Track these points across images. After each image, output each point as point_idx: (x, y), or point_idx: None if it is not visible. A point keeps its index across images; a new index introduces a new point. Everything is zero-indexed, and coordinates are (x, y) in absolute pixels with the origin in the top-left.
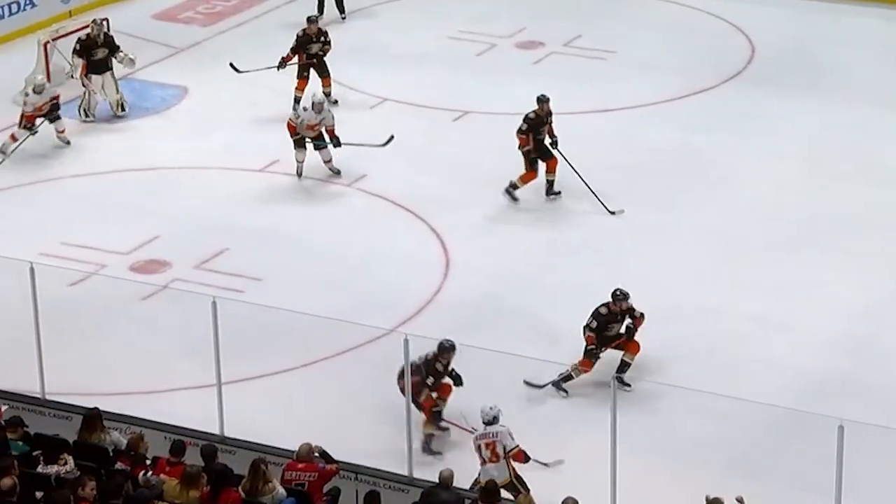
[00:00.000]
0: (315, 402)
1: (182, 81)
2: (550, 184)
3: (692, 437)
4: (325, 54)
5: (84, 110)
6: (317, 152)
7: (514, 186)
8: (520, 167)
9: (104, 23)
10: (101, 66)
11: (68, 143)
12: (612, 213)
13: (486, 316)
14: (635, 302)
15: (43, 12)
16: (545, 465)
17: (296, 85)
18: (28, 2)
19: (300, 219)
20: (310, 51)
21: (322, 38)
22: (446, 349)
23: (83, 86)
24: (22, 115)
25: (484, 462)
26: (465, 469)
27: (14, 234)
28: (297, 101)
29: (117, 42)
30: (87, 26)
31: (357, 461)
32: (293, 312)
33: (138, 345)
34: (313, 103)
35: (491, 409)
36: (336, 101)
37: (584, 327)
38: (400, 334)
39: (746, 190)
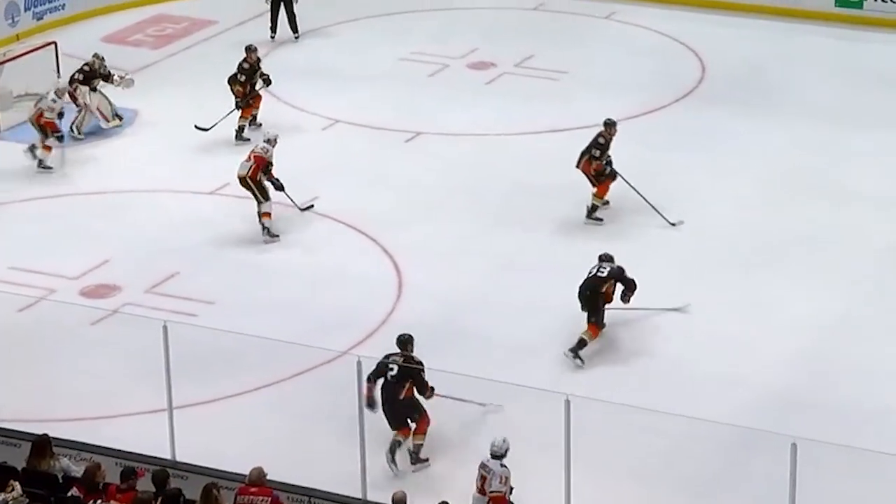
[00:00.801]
0: (267, 425)
1: (132, 104)
2: (595, 207)
3: (647, 457)
4: (267, 85)
5: (76, 127)
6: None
7: (594, 208)
8: (474, 189)
9: (104, 58)
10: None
11: (50, 167)
12: (673, 224)
13: (439, 336)
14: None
15: None
16: (482, 405)
17: (240, 114)
18: None
19: (252, 242)
20: (253, 80)
21: (260, 67)
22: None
23: (81, 106)
24: (43, 125)
25: (475, 489)
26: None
27: None
28: (241, 129)
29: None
30: (36, 46)
31: (310, 484)
32: (245, 336)
33: (88, 370)
34: (269, 139)
35: (503, 442)
36: (260, 124)
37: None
38: (353, 356)
39: (701, 208)
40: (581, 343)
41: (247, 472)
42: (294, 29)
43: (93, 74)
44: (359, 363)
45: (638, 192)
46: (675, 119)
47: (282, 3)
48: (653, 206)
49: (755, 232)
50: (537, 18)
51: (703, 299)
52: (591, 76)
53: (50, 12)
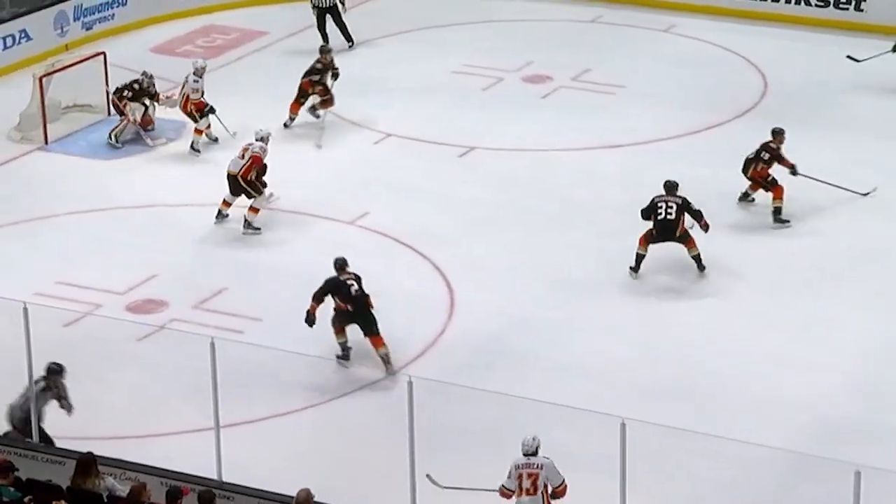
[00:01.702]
0: (316, 445)
1: (180, 116)
2: (779, 209)
3: (702, 482)
4: (334, 79)
5: (115, 136)
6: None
7: (778, 211)
8: (528, 205)
9: (153, 75)
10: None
11: (216, 139)
12: (866, 194)
13: (490, 356)
14: (643, 338)
15: (38, 46)
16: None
17: (293, 106)
18: (24, 35)
19: (301, 257)
20: (323, 80)
21: (333, 69)
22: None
23: (132, 121)
24: (189, 107)
25: (520, 493)
26: None
27: (8, 273)
28: (291, 120)
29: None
30: (85, 56)
31: None
32: (294, 353)
33: (134, 387)
34: (263, 137)
35: (533, 439)
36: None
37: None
38: (404, 376)
39: (758, 226)
40: (698, 259)
41: (294, 494)
42: (347, 38)
43: (142, 93)
44: (409, 383)
45: (819, 180)
46: (736, 136)
47: (327, 15)
48: (838, 186)
49: (815, 250)
50: (595, 31)
51: (760, 318)
52: (650, 90)
53: (99, 22)
